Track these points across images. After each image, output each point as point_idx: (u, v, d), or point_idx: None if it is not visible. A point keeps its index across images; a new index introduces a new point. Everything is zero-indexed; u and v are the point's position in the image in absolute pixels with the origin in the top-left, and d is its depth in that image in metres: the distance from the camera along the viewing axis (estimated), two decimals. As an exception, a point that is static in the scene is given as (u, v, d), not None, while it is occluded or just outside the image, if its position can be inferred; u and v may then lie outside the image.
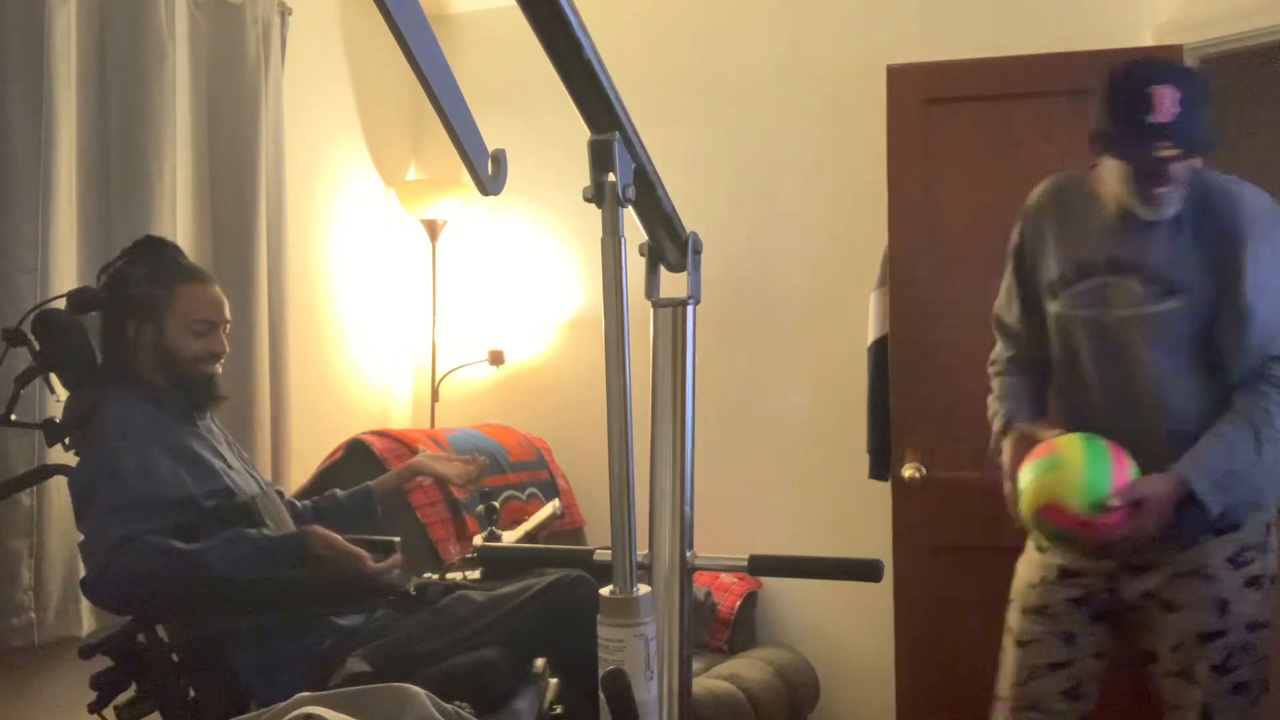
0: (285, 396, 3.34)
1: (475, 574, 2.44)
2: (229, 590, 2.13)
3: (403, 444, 3.31)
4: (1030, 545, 2.31)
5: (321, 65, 3.83)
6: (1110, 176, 2.09)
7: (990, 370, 2.41)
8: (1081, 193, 2.18)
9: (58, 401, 2.37)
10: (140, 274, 2.29)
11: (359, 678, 2.06)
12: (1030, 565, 2.27)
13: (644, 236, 1.30)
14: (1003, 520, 3.03)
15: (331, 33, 3.89)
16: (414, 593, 2.26)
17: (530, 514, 2.82)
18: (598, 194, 1.06)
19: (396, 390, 4.19)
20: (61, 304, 2.31)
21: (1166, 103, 1.94)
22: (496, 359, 4.02)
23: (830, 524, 3.65)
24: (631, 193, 1.07)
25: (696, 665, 3.24)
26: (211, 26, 3.20)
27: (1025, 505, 2.07)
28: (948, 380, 3.21)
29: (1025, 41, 3.36)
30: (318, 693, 1.03)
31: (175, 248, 2.42)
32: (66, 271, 2.66)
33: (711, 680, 3.21)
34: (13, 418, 2.30)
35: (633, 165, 1.09)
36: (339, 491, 2.66)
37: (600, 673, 1.01)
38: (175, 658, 2.19)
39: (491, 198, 1.09)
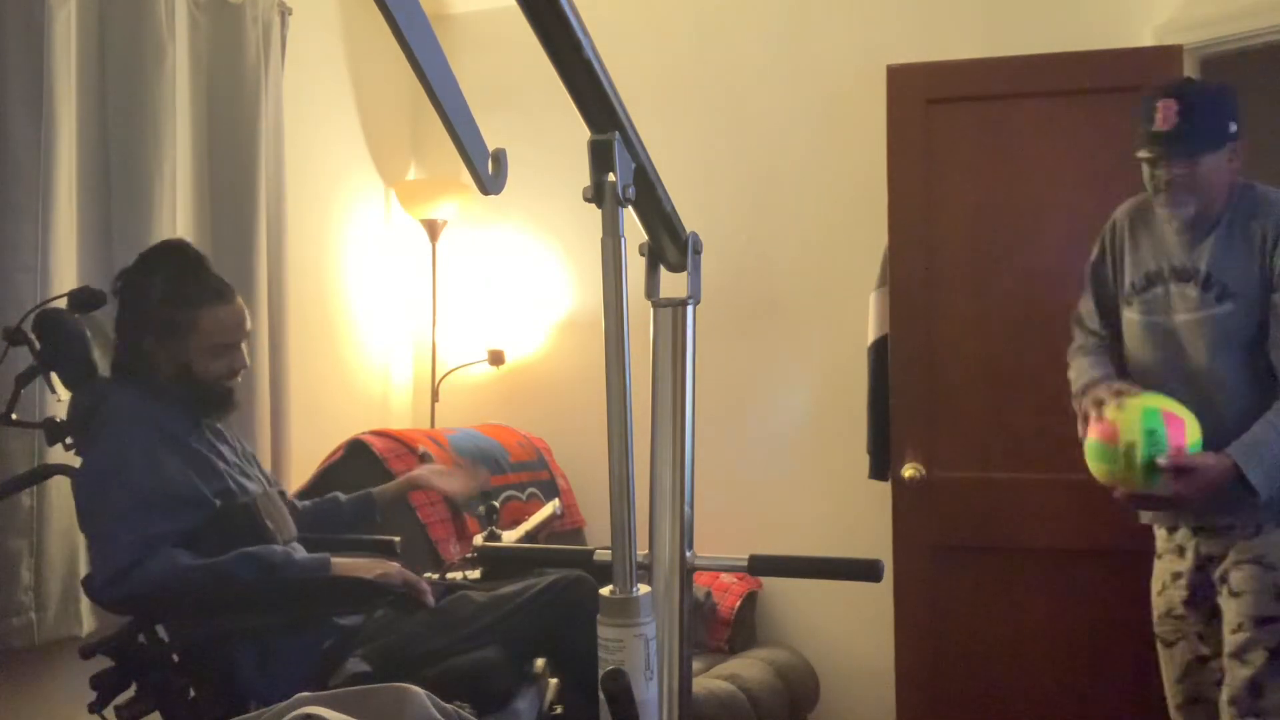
0: (285, 396, 3.34)
1: (475, 574, 2.44)
2: (229, 590, 2.13)
3: (403, 444, 3.31)
4: (1157, 549, 2.49)
5: (321, 65, 3.83)
6: (1146, 183, 2.36)
7: (1069, 354, 2.60)
8: (1153, 209, 2.42)
9: (58, 401, 2.37)
10: (159, 289, 2.24)
11: (359, 678, 2.06)
12: (1156, 573, 2.50)
13: (644, 236, 1.30)
14: (1002, 520, 3.05)
15: (331, 33, 3.89)
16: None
17: (530, 514, 2.82)
18: (598, 194, 1.05)
19: (396, 390, 4.19)
20: (62, 304, 2.31)
21: (1168, 113, 2.25)
22: (496, 359, 4.02)
23: (830, 524, 3.65)
24: (631, 193, 1.07)
25: (696, 665, 3.24)
26: (211, 26, 3.20)
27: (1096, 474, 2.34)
28: (947, 380, 3.22)
29: (1025, 41, 3.36)
30: (318, 693, 1.03)
31: (198, 257, 2.35)
32: (66, 271, 2.66)
33: (711, 680, 3.20)
34: (13, 417, 2.29)
35: (633, 165, 1.09)
36: (341, 495, 2.66)
37: (600, 673, 1.01)
38: (175, 658, 2.18)
39: (491, 197, 1.09)
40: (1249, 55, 3.21)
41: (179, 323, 2.23)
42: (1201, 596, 2.37)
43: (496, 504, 2.62)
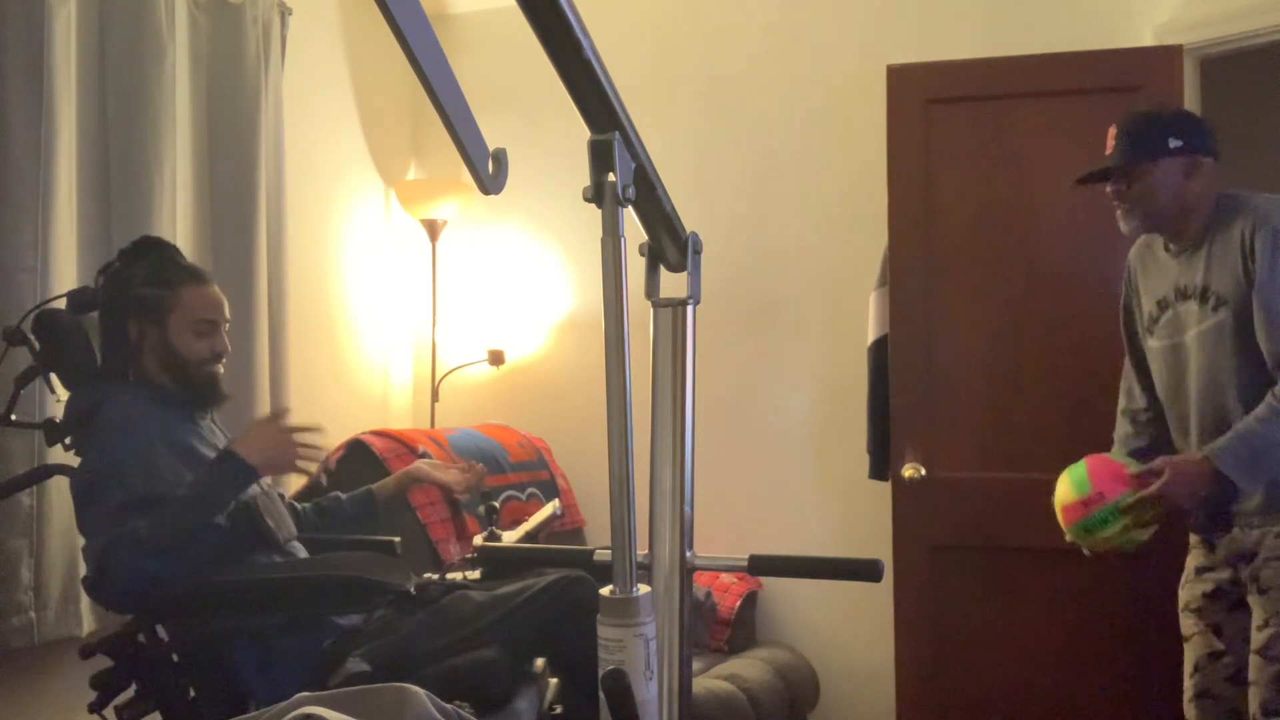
0: (285, 397, 3.34)
1: (475, 574, 2.44)
2: (229, 590, 2.13)
3: (403, 444, 3.31)
4: (1190, 543, 2.54)
5: (321, 65, 3.83)
6: None
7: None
8: (1156, 243, 2.52)
9: (58, 401, 2.37)
10: (140, 275, 2.29)
11: (359, 677, 2.06)
12: (1185, 569, 2.54)
13: (644, 236, 1.30)
14: (1002, 520, 3.05)
15: (331, 33, 3.89)
16: (414, 593, 2.26)
17: (530, 514, 2.82)
18: (598, 194, 1.06)
19: (396, 390, 4.19)
20: (61, 304, 2.31)
21: (1109, 141, 2.43)
22: (496, 359, 4.02)
23: (830, 524, 3.65)
24: (631, 193, 1.07)
25: (696, 665, 3.24)
26: (211, 26, 3.20)
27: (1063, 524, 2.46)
28: (947, 380, 3.22)
29: (1025, 41, 3.36)
30: (318, 693, 1.03)
31: (173, 248, 2.42)
32: (66, 271, 2.66)
33: (711, 680, 3.20)
34: (13, 418, 2.30)
35: (633, 165, 1.09)
36: (341, 495, 2.66)
37: (600, 672, 1.01)
38: (175, 658, 2.18)
39: (491, 197, 1.09)
40: (1249, 55, 3.21)
41: (159, 300, 2.28)
42: (1225, 593, 2.40)
43: (496, 504, 2.62)
